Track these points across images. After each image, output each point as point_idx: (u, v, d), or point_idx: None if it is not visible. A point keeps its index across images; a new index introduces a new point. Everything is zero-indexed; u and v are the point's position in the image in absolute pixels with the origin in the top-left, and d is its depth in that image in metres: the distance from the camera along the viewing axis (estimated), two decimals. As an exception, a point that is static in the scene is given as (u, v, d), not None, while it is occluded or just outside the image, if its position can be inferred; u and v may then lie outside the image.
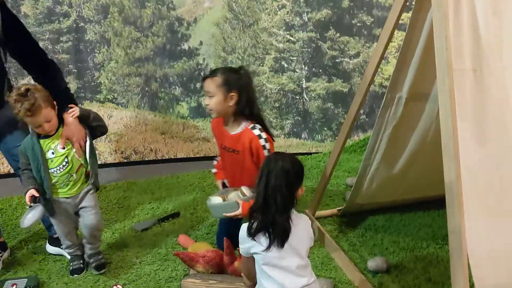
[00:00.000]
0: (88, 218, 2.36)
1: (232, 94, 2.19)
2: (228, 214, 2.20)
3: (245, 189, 2.27)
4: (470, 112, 1.63)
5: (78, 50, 3.76)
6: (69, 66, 3.77)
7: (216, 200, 2.31)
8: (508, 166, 1.65)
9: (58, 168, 2.23)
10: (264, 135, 2.24)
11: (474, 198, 1.60)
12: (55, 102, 2.18)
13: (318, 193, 2.73)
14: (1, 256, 2.51)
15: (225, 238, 2.23)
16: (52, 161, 2.22)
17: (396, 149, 2.49)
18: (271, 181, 1.70)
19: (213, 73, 2.22)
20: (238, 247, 1.82)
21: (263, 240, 1.70)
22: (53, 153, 2.22)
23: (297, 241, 1.72)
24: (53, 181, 2.24)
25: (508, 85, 1.66)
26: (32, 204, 2.16)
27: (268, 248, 1.69)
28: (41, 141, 2.21)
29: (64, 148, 2.23)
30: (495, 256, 1.61)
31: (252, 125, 2.26)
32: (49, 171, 2.23)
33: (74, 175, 2.28)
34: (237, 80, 2.20)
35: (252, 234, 1.71)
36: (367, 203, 2.84)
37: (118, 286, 2.28)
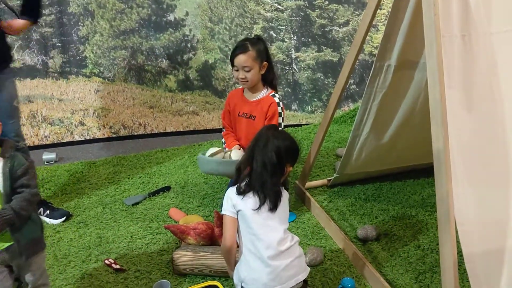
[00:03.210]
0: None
1: (264, 63, 2.38)
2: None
3: (234, 153, 2.30)
4: (458, 79, 1.62)
5: (62, 23, 3.67)
6: (53, 40, 3.68)
7: (211, 150, 2.34)
8: (496, 133, 1.65)
9: None
10: (281, 104, 2.43)
11: (462, 165, 1.60)
12: None
13: (308, 164, 2.73)
14: None
15: (215, 210, 2.24)
16: None
17: (385, 118, 2.48)
18: (260, 154, 1.72)
19: (243, 48, 2.34)
20: None
21: (252, 199, 1.73)
22: None
23: (282, 208, 1.76)
24: None
25: (495, 51, 1.65)
26: None
27: (259, 208, 1.71)
28: None
29: None
30: (483, 223, 1.63)
31: (273, 93, 2.44)
32: None
33: None
34: (265, 50, 2.38)
35: (241, 192, 1.74)
36: (357, 173, 2.85)
37: (110, 260, 2.28)
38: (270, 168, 1.72)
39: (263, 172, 1.72)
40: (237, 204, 1.75)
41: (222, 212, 1.80)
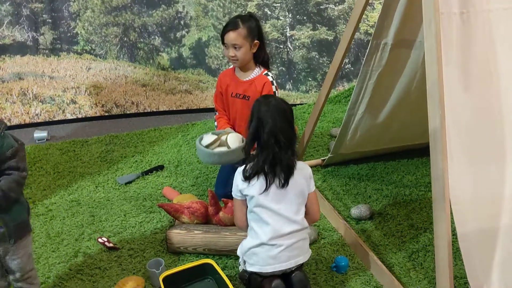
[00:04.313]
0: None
1: (255, 41, 2.31)
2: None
3: (230, 138, 2.27)
4: (455, 57, 1.60)
5: (52, -2, 3.58)
6: (44, 16, 3.60)
7: (208, 139, 2.28)
8: (492, 112, 1.64)
9: None
10: (275, 83, 2.38)
11: (458, 144, 1.59)
12: None
13: (303, 144, 2.72)
14: None
15: (209, 189, 2.23)
16: None
17: (381, 97, 2.46)
18: (268, 121, 1.68)
19: (234, 25, 2.27)
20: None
21: (258, 183, 1.71)
22: None
23: (292, 185, 1.73)
24: None
25: (494, 28, 1.62)
26: None
27: (266, 189, 1.69)
28: None
29: None
30: (477, 202, 1.63)
31: (265, 71, 2.39)
32: None
33: None
34: (257, 28, 2.31)
35: (247, 177, 1.71)
36: (351, 153, 2.85)
37: (103, 238, 2.28)
38: (283, 137, 1.67)
39: (274, 144, 1.67)
40: (243, 189, 1.75)
41: (232, 193, 1.81)
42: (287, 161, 1.69)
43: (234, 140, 2.27)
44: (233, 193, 1.81)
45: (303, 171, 1.77)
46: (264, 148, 1.69)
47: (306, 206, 1.81)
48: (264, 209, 1.73)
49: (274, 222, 1.72)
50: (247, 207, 1.80)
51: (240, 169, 1.76)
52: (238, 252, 1.86)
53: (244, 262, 1.82)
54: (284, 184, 1.70)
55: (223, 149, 2.25)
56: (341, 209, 2.50)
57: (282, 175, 1.70)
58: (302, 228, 1.77)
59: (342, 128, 2.63)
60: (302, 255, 1.79)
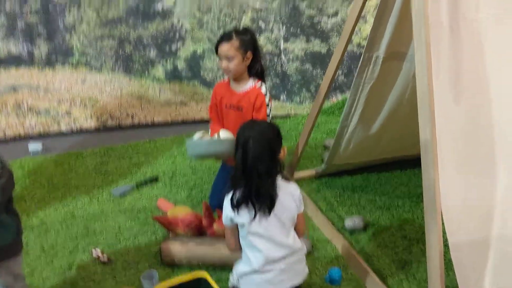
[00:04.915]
0: None
1: (248, 54, 2.34)
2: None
3: (223, 132, 2.28)
4: (446, 68, 1.63)
5: (47, 11, 3.60)
6: (39, 28, 3.62)
7: (198, 135, 2.30)
8: (482, 122, 1.66)
9: None
10: (268, 94, 2.41)
11: (449, 155, 1.61)
12: None
13: (297, 155, 2.74)
14: None
15: (203, 201, 2.23)
16: None
17: (374, 109, 2.49)
18: (250, 149, 1.66)
19: (227, 36, 2.31)
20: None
21: (247, 212, 1.70)
22: None
23: (281, 209, 1.71)
24: None
25: (483, 38, 1.65)
26: None
27: (254, 218, 1.69)
28: None
29: None
30: (468, 211, 1.65)
31: (260, 83, 2.41)
32: None
33: None
34: (251, 41, 2.34)
35: (235, 205, 1.70)
36: (345, 164, 2.87)
37: (97, 250, 2.27)
38: (263, 169, 1.66)
39: (256, 177, 1.66)
40: (233, 218, 1.74)
41: (223, 221, 1.80)
42: (267, 190, 1.68)
43: (225, 133, 2.29)
44: (223, 221, 1.80)
45: (293, 195, 1.76)
46: (248, 176, 1.68)
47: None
48: (256, 237, 1.72)
49: (266, 250, 1.71)
50: (238, 232, 1.79)
51: (228, 197, 1.75)
52: (233, 271, 1.85)
53: (238, 280, 1.81)
54: (269, 212, 1.69)
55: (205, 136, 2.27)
56: (335, 220, 2.51)
57: (265, 205, 1.68)
58: (294, 251, 1.76)
59: (335, 139, 2.66)
60: (297, 276, 1.79)
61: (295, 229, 1.80)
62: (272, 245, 1.72)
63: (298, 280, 1.79)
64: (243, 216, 1.71)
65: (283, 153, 1.77)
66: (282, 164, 1.75)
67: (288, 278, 1.75)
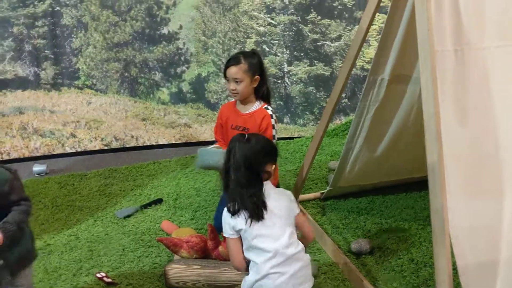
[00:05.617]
0: None
1: (256, 77, 2.37)
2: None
3: None
4: (451, 92, 1.64)
5: (55, 35, 3.67)
6: (46, 51, 3.67)
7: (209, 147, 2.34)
8: (489, 146, 1.67)
9: None
10: (274, 116, 2.43)
11: (456, 178, 1.61)
12: None
13: (301, 177, 2.74)
14: None
15: (208, 223, 2.22)
16: None
17: (379, 131, 2.50)
18: (231, 160, 1.73)
19: (236, 60, 2.36)
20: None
21: (242, 217, 1.72)
22: None
23: (280, 210, 1.75)
24: None
25: (487, 66, 1.67)
26: None
27: (251, 221, 1.70)
28: None
29: None
30: (476, 234, 1.63)
31: (265, 105, 2.44)
32: None
33: None
34: (258, 64, 2.39)
35: (233, 212, 1.72)
36: (350, 186, 2.86)
37: (101, 273, 2.25)
38: (243, 180, 1.71)
39: (237, 186, 1.72)
40: (235, 225, 1.74)
41: (224, 235, 1.80)
42: (252, 200, 1.71)
43: None
44: (225, 234, 1.79)
45: (287, 195, 1.82)
46: (231, 190, 1.75)
47: (298, 229, 1.82)
48: (262, 238, 1.72)
49: (274, 248, 1.71)
50: (242, 244, 1.78)
51: (225, 209, 1.77)
52: (242, 285, 1.83)
53: None
54: (260, 219, 1.71)
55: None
56: (341, 243, 2.49)
57: (252, 212, 1.71)
58: (300, 250, 1.76)
59: (340, 161, 2.66)
60: (307, 282, 1.77)
61: (301, 232, 1.83)
62: (278, 244, 1.71)
63: (308, 286, 1.77)
64: (240, 221, 1.72)
65: (270, 168, 1.79)
66: (266, 176, 1.77)
67: (299, 283, 1.73)
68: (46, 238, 2.60)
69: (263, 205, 1.73)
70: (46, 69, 3.70)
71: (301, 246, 1.78)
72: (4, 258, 1.60)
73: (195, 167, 2.43)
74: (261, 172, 1.75)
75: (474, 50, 1.67)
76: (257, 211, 1.71)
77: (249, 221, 1.71)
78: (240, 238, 1.77)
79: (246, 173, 1.71)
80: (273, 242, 1.72)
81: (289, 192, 1.84)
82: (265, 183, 1.76)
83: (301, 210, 1.86)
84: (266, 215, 1.72)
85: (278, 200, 1.76)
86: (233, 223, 1.74)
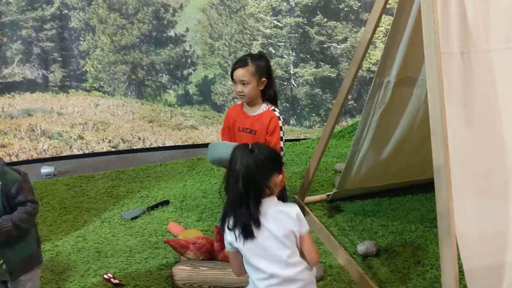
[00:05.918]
0: None
1: (263, 79, 2.37)
2: None
3: None
4: (457, 95, 1.64)
5: (63, 38, 3.70)
6: (54, 54, 3.70)
7: None
8: (495, 148, 1.66)
9: None
10: (281, 118, 2.43)
11: (462, 180, 1.61)
12: None
13: (307, 179, 2.74)
14: None
15: (214, 225, 2.23)
16: None
17: (385, 133, 2.50)
18: (231, 171, 1.64)
19: (243, 62, 2.36)
20: None
21: (237, 233, 1.64)
22: None
23: (279, 229, 1.63)
24: None
25: (494, 68, 1.67)
26: None
27: (242, 239, 1.62)
28: None
29: None
30: (483, 237, 1.63)
31: (272, 107, 2.44)
32: None
33: None
34: (265, 66, 2.39)
35: (230, 228, 1.65)
36: (356, 188, 2.86)
37: (108, 274, 2.27)
38: (239, 195, 1.60)
39: (233, 201, 1.62)
40: (232, 241, 1.67)
41: (226, 248, 1.76)
42: (240, 219, 1.62)
43: None
44: (225, 246, 1.75)
45: (289, 213, 1.65)
46: (235, 201, 1.63)
47: (301, 249, 1.69)
48: (258, 258, 1.64)
49: (269, 271, 1.63)
50: (242, 256, 1.71)
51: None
52: None
53: None
54: (250, 238, 1.61)
55: None
56: (347, 245, 2.49)
57: (240, 230, 1.62)
58: (300, 270, 1.65)
59: (347, 163, 2.66)
60: None
61: (304, 253, 1.70)
62: (277, 264, 1.62)
63: None
64: (241, 238, 1.63)
65: (277, 179, 1.68)
66: (268, 191, 1.65)
67: None
68: (54, 239, 2.62)
69: (256, 224, 1.61)
70: (54, 71, 3.74)
71: (303, 265, 1.66)
72: (4, 258, 1.60)
73: (207, 160, 2.36)
74: (263, 186, 1.63)
75: (480, 53, 1.67)
76: (248, 229, 1.61)
77: (239, 238, 1.62)
78: (238, 251, 1.70)
79: (244, 188, 1.59)
80: (269, 264, 1.63)
81: (295, 210, 1.67)
82: (266, 199, 1.64)
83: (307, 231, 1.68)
84: (261, 234, 1.61)
85: (279, 221, 1.63)
86: (230, 239, 1.67)
